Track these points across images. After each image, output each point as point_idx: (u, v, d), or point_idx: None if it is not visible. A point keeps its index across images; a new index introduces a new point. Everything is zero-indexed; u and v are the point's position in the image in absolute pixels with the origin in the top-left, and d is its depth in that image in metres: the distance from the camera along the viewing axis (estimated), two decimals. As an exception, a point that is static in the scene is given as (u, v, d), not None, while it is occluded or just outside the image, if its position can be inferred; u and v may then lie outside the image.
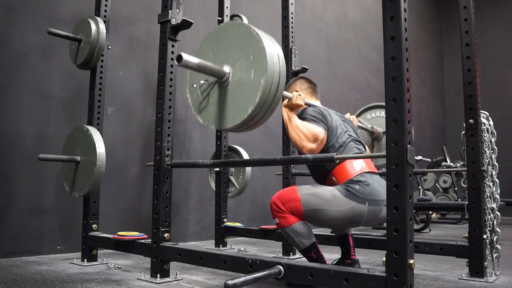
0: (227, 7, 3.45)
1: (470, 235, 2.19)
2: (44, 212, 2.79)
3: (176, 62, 1.57)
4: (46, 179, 2.82)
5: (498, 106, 7.49)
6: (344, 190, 1.94)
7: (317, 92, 2.36)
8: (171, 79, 2.17)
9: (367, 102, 6.57)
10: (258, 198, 4.34)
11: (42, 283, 1.97)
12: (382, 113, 2.81)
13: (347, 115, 2.44)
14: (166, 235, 2.08)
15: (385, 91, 1.44)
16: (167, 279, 2.06)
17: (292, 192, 1.99)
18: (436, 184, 6.38)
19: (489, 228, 2.23)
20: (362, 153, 2.11)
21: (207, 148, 3.81)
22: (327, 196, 1.94)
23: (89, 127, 2.48)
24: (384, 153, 1.43)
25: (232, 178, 3.42)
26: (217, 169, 3.33)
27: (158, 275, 2.05)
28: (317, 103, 2.27)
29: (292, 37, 3.06)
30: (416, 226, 4.56)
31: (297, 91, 2.21)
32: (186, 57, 1.56)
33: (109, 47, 2.74)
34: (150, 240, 2.12)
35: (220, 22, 3.49)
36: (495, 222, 2.25)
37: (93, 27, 2.55)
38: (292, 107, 2.09)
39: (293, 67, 3.03)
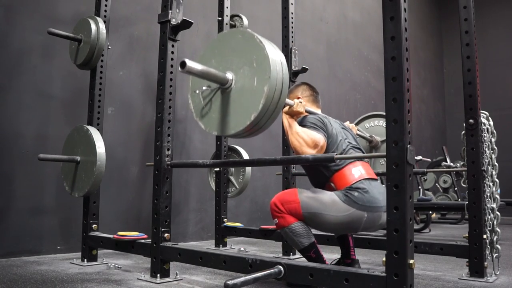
0: (227, 7, 3.45)
1: (470, 235, 2.19)
2: (44, 212, 2.79)
3: (179, 69, 1.56)
4: (46, 179, 2.82)
5: (498, 106, 7.49)
6: (343, 196, 1.94)
7: (319, 100, 2.36)
8: (171, 79, 2.17)
9: (367, 102, 6.57)
10: (258, 198, 4.34)
11: (42, 283, 1.97)
12: (381, 122, 2.82)
13: (347, 123, 2.44)
14: (166, 235, 2.08)
15: (385, 91, 1.44)
16: (167, 279, 2.06)
17: (292, 194, 2.00)
18: (436, 184, 6.38)
19: (489, 228, 2.23)
20: (361, 160, 2.12)
21: (207, 148, 3.81)
22: (327, 201, 1.94)
23: (89, 127, 2.48)
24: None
25: (232, 178, 3.42)
26: (217, 169, 3.33)
27: (158, 275, 2.05)
28: (318, 111, 2.26)
29: (292, 37, 3.06)
30: (416, 226, 4.56)
31: (298, 98, 2.21)
32: (189, 63, 1.56)
33: (109, 47, 2.74)
34: (150, 240, 2.12)
35: (220, 22, 3.49)
36: (495, 222, 2.25)
37: (93, 27, 2.55)
38: (292, 114, 2.09)
39: (293, 67, 3.03)
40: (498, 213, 2.28)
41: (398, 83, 1.40)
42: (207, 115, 1.75)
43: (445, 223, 5.87)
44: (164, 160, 2.11)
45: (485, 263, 2.15)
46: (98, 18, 2.61)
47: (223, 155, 3.36)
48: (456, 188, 6.11)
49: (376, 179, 2.07)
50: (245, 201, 4.18)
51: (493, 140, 2.32)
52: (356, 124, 2.91)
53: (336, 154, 1.67)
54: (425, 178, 6.08)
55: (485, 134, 2.28)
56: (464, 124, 2.28)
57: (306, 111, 2.14)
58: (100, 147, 2.39)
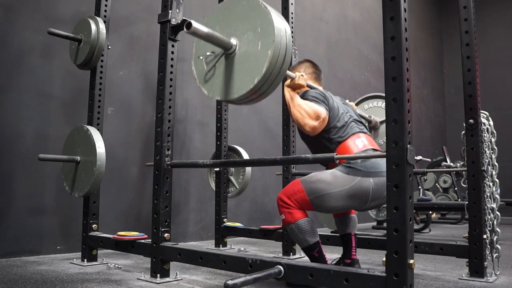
0: (227, 7, 3.45)
1: (470, 235, 2.19)
2: (44, 212, 2.79)
3: (185, 29, 1.57)
4: (46, 179, 2.82)
5: (498, 106, 7.49)
6: (345, 169, 1.94)
7: (321, 78, 2.38)
8: (171, 79, 2.17)
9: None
10: (258, 198, 4.34)
11: (42, 283, 1.97)
12: (379, 103, 2.82)
13: (347, 101, 2.45)
14: (166, 235, 2.08)
15: (385, 91, 1.44)
16: (167, 279, 2.06)
17: (295, 184, 2.01)
18: (436, 184, 6.38)
19: (489, 228, 2.23)
20: (364, 132, 2.13)
21: (207, 148, 3.81)
22: (329, 179, 1.94)
23: (89, 127, 2.48)
24: (383, 152, 1.43)
25: (232, 178, 3.42)
26: (217, 169, 3.33)
27: (158, 275, 2.05)
28: (319, 88, 2.27)
29: (292, 37, 3.05)
30: (416, 226, 4.56)
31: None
32: (195, 24, 1.57)
33: (109, 47, 2.74)
34: (150, 240, 2.12)
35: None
36: (495, 222, 2.25)
37: (93, 27, 2.55)
38: (294, 87, 2.10)
39: (293, 67, 3.03)
40: (498, 213, 2.28)
41: (398, 83, 1.40)
42: (210, 80, 1.75)
43: (445, 223, 5.87)
44: (164, 160, 2.11)
45: (485, 263, 2.15)
46: (98, 18, 2.61)
47: (223, 155, 3.36)
48: (456, 188, 6.11)
49: (380, 151, 2.05)
50: (245, 201, 4.18)
51: (493, 140, 2.32)
52: (356, 105, 2.91)
53: (336, 155, 1.66)
54: (425, 178, 6.08)
55: (485, 134, 2.28)
56: (464, 124, 2.28)
57: (308, 86, 2.15)
58: (100, 147, 2.39)
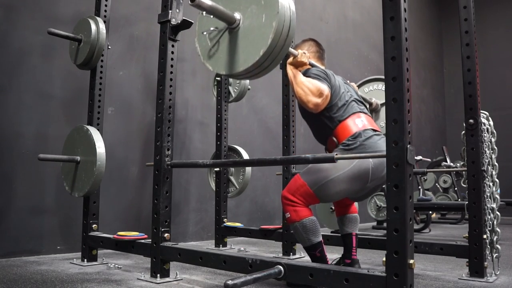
0: (227, 7, 3.45)
1: (470, 235, 2.19)
2: (44, 212, 2.79)
3: (189, 2, 1.58)
4: (46, 179, 2.82)
5: (498, 106, 7.49)
6: (344, 152, 1.97)
7: (324, 58, 2.41)
8: (171, 79, 2.17)
9: (367, 102, 6.53)
10: (258, 198, 4.34)
11: (42, 283, 1.97)
12: (380, 86, 2.82)
13: (348, 82, 2.45)
14: (166, 235, 2.08)
15: (385, 91, 1.44)
16: (167, 279, 2.06)
17: (296, 180, 2.02)
18: (436, 184, 6.38)
19: (489, 228, 2.23)
20: (364, 112, 2.14)
21: (207, 148, 3.81)
22: (327, 165, 1.95)
23: (89, 127, 2.48)
24: (384, 152, 1.43)
25: (232, 178, 3.42)
26: (217, 169, 3.33)
27: (158, 275, 2.05)
28: (321, 67, 2.28)
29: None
30: (416, 226, 4.56)
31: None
32: None
33: (109, 47, 2.74)
34: (150, 240, 2.12)
35: (220, 22, 3.49)
36: (495, 222, 2.25)
37: (93, 27, 2.55)
38: (296, 64, 2.11)
39: (293, 67, 3.03)
40: (498, 213, 2.28)
41: (398, 83, 1.40)
42: (215, 55, 1.76)
43: (445, 223, 5.87)
44: (164, 160, 2.11)
45: (485, 263, 2.15)
46: (98, 18, 2.61)
47: (223, 155, 3.36)
48: (456, 188, 6.11)
49: (379, 132, 2.08)
50: (245, 201, 4.18)
51: (493, 140, 2.32)
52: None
53: (336, 155, 1.66)
54: (425, 178, 6.08)
55: (485, 134, 2.28)
56: (464, 124, 2.28)
57: (310, 64, 2.16)
58: (100, 147, 2.39)
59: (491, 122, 2.35)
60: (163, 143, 2.12)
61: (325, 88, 2.03)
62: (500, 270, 2.31)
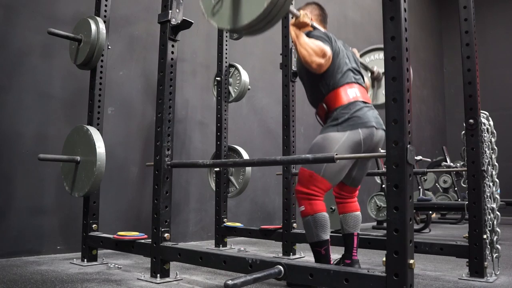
0: (227, 7, 3.45)
1: (470, 235, 2.19)
2: (44, 212, 2.79)
3: None
4: (46, 179, 2.82)
5: (498, 106, 7.49)
6: (334, 127, 2.02)
7: (326, 22, 2.42)
8: (171, 79, 2.17)
9: (367, 102, 6.53)
10: (258, 198, 4.34)
11: (42, 283, 1.97)
12: (381, 55, 2.81)
13: (350, 49, 2.45)
14: (166, 235, 2.08)
15: (385, 91, 1.44)
16: (167, 279, 2.06)
17: (303, 172, 2.05)
18: (436, 184, 6.38)
19: (489, 228, 2.23)
20: (358, 83, 2.15)
21: (207, 148, 3.81)
22: (323, 145, 2.01)
23: (89, 127, 2.47)
24: (383, 152, 1.43)
25: (232, 178, 3.42)
26: (217, 169, 3.33)
27: (158, 275, 2.05)
28: (323, 30, 2.30)
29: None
30: (416, 226, 4.56)
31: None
32: None
33: (109, 47, 2.74)
34: (150, 240, 2.12)
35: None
36: (495, 222, 2.25)
37: (93, 27, 2.55)
38: (299, 25, 2.12)
39: (293, 67, 3.03)
40: (498, 213, 2.28)
41: (398, 83, 1.40)
42: (219, 12, 1.75)
43: (445, 223, 5.87)
44: (164, 160, 2.11)
45: (485, 263, 2.15)
46: (98, 18, 2.61)
47: (223, 155, 3.36)
48: (456, 188, 6.11)
49: (370, 104, 2.13)
50: (245, 201, 4.18)
51: (493, 140, 2.32)
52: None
53: (336, 155, 1.67)
54: (425, 178, 6.08)
55: (485, 134, 2.28)
56: (464, 124, 2.28)
57: (312, 26, 2.17)
58: (100, 147, 2.39)
59: (491, 122, 2.35)
60: (163, 143, 2.12)
61: (328, 49, 2.06)
62: (500, 270, 2.31)
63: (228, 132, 3.43)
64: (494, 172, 2.30)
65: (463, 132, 2.30)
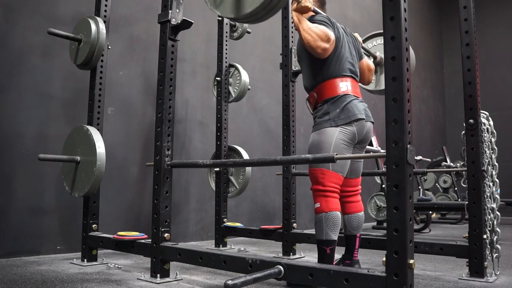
0: (227, 7, 3.45)
1: (470, 235, 2.19)
2: (44, 212, 2.79)
3: None
4: (46, 179, 2.82)
5: (498, 106, 7.49)
6: (326, 122, 2.05)
7: (325, 8, 2.41)
8: (171, 79, 2.17)
9: (367, 101, 6.57)
10: (258, 198, 4.34)
11: (42, 283, 1.97)
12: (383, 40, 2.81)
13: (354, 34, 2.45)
14: (166, 235, 2.08)
15: (385, 91, 1.44)
16: (167, 279, 2.06)
17: (314, 172, 2.07)
18: (436, 184, 6.38)
19: (489, 228, 2.23)
20: (352, 76, 2.16)
21: (207, 148, 3.81)
22: (320, 140, 2.05)
23: (89, 127, 2.48)
24: (383, 152, 1.43)
25: (232, 178, 3.42)
26: (217, 169, 3.33)
27: (158, 275, 2.05)
28: (324, 14, 2.31)
29: (292, 37, 3.05)
30: (416, 226, 4.56)
31: None
32: None
33: (109, 47, 2.74)
34: (150, 240, 2.12)
35: (220, 22, 3.49)
36: (495, 222, 2.25)
37: (93, 27, 2.55)
38: (301, 10, 2.12)
39: (293, 67, 3.03)
40: (498, 213, 2.28)
41: (398, 83, 1.40)
42: (222, 1, 1.76)
43: (445, 223, 5.87)
44: (164, 160, 2.11)
45: (485, 263, 2.15)
46: (98, 18, 2.60)
47: (223, 155, 3.36)
48: (456, 188, 6.11)
49: (359, 99, 2.15)
50: (245, 201, 4.18)
51: (493, 140, 2.32)
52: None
53: (336, 155, 1.67)
54: (425, 178, 6.08)
55: (485, 134, 2.28)
56: (464, 124, 2.28)
57: (313, 11, 2.17)
58: (100, 147, 2.39)
59: (491, 122, 2.35)
60: (163, 143, 2.12)
61: (331, 34, 2.07)
62: (500, 270, 2.31)
63: (228, 132, 3.43)
64: (494, 172, 2.30)
65: (463, 132, 2.30)
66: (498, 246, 2.24)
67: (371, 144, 3.74)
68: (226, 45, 3.50)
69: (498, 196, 2.30)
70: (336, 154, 1.67)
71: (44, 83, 2.87)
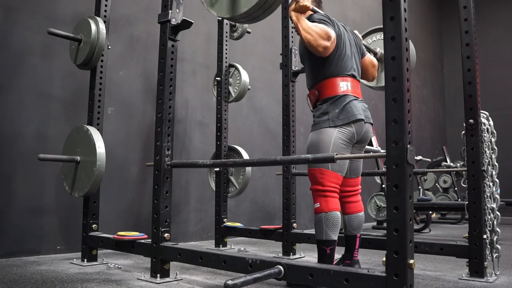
0: (227, 7, 3.45)
1: (470, 235, 2.19)
2: (44, 212, 2.79)
3: None
4: (46, 179, 2.82)
5: (498, 106, 7.49)
6: (325, 122, 2.05)
7: (322, 7, 2.41)
8: (171, 79, 2.17)
9: (367, 101, 6.58)
10: (258, 198, 4.34)
11: (42, 283, 1.97)
12: (382, 35, 2.81)
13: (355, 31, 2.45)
14: (166, 235, 2.08)
15: (385, 91, 1.44)
16: (167, 279, 2.06)
17: (313, 172, 2.07)
18: (436, 184, 6.38)
19: (489, 228, 2.23)
20: (352, 75, 2.15)
21: (207, 148, 3.81)
22: (318, 139, 2.05)
23: (89, 127, 2.48)
24: (383, 152, 1.43)
25: (232, 178, 3.42)
26: (217, 169, 3.33)
27: (158, 275, 2.05)
28: (323, 12, 2.30)
29: (292, 37, 3.05)
30: (416, 226, 4.56)
31: None
32: None
33: (109, 47, 2.74)
34: (150, 240, 2.12)
35: (220, 22, 3.49)
36: (495, 222, 2.25)
37: (93, 27, 2.55)
38: (300, 10, 2.11)
39: (293, 67, 3.03)
40: (498, 213, 2.28)
41: (398, 83, 1.40)
42: (218, 1, 1.78)
43: (445, 223, 5.87)
44: (164, 160, 2.11)
45: (485, 263, 2.15)
46: (98, 18, 2.61)
47: (223, 155, 3.36)
48: (456, 188, 6.11)
49: (359, 99, 2.15)
50: (245, 201, 4.18)
51: (493, 140, 2.32)
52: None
53: (336, 154, 1.67)
54: (425, 178, 6.08)
55: (485, 134, 2.28)
56: (464, 124, 2.28)
57: (312, 10, 2.16)
58: (100, 147, 2.39)
59: (491, 122, 2.35)
60: (163, 143, 2.12)
61: (332, 32, 2.06)
62: (500, 270, 2.31)
63: (228, 132, 3.43)
64: (494, 172, 2.30)
65: (463, 132, 2.30)
66: (498, 246, 2.24)
67: (371, 144, 3.74)
68: (226, 45, 3.50)
69: (498, 196, 2.30)
70: (336, 154, 1.67)
71: (44, 83, 2.87)
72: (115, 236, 2.32)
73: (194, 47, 3.88)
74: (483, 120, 2.29)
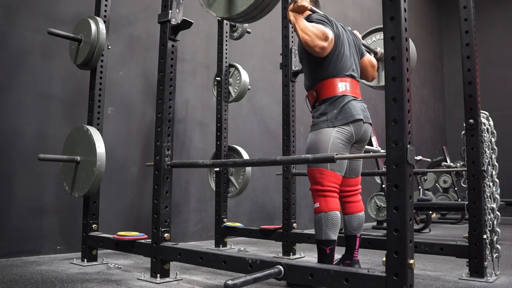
0: (227, 7, 3.45)
1: (470, 235, 2.19)
2: (44, 212, 2.79)
3: None
4: (46, 179, 2.82)
5: (498, 106, 7.49)
6: (324, 123, 2.06)
7: (319, 6, 2.39)
8: (171, 79, 2.17)
9: (367, 101, 6.58)
10: (258, 198, 4.34)
11: (42, 283, 1.97)
12: (382, 35, 2.81)
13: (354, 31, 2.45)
14: (166, 235, 2.08)
15: (385, 91, 1.44)
16: (167, 279, 2.06)
17: (313, 172, 2.07)
18: (436, 184, 6.38)
19: (489, 228, 2.23)
20: (351, 76, 2.15)
21: (207, 148, 3.81)
22: (317, 139, 2.06)
23: (89, 127, 2.48)
24: (383, 152, 1.43)
25: (232, 178, 3.42)
26: (217, 169, 3.33)
27: (158, 275, 2.05)
28: (321, 12, 2.30)
29: (292, 37, 3.05)
30: (416, 226, 4.56)
31: None
32: None
33: (109, 47, 2.74)
34: (150, 240, 2.12)
35: (220, 22, 3.49)
36: (495, 222, 2.25)
37: (93, 27, 2.55)
38: (298, 10, 2.09)
39: (293, 67, 3.03)
40: (498, 213, 2.28)
41: (398, 83, 1.40)
42: (215, 2, 1.79)
43: (445, 223, 5.87)
44: (164, 160, 2.11)
45: (485, 263, 2.15)
46: (98, 18, 2.61)
47: (223, 155, 3.36)
48: (456, 188, 6.11)
49: (358, 99, 2.15)
50: (245, 201, 4.18)
51: (493, 140, 2.32)
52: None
53: (336, 154, 1.67)
54: (425, 178, 6.08)
55: (485, 134, 2.28)
56: (464, 124, 2.28)
57: (311, 10, 2.16)
58: (100, 147, 2.39)
59: (491, 122, 2.35)
60: (163, 143, 2.12)
61: (329, 32, 2.05)
62: (500, 270, 2.31)
63: (228, 132, 3.43)
64: (494, 172, 2.30)
65: (463, 132, 2.30)
66: (498, 246, 2.24)
67: (371, 144, 3.74)
68: (226, 45, 3.50)
69: (498, 196, 2.30)
70: (336, 154, 1.67)
71: (44, 83, 2.87)
72: (115, 236, 2.32)
73: (194, 47, 3.88)
74: (483, 120, 2.29)
